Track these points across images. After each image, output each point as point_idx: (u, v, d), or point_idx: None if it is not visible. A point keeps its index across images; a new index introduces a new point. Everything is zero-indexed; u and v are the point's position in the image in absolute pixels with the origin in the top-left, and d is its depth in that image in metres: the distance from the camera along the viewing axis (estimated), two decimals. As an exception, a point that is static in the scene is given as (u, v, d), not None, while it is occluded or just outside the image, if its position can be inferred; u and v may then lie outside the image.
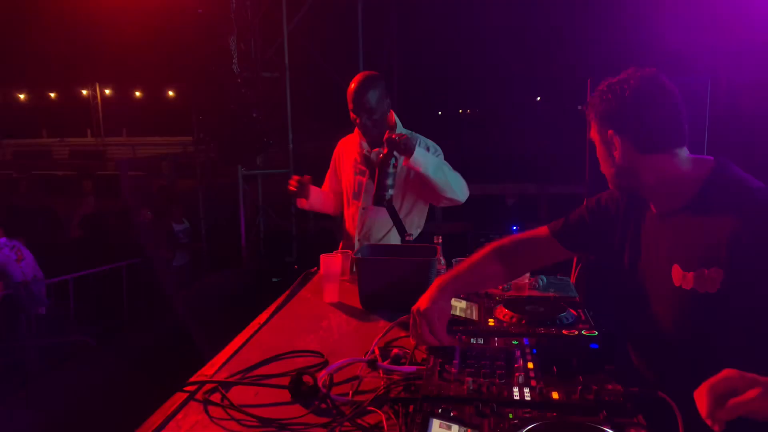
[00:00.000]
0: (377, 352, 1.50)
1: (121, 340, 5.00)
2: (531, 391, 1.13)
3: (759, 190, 1.22)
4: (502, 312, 1.55)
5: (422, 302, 1.44)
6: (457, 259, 2.13)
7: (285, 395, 1.33)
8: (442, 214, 6.38)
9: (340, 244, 2.74)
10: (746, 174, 1.27)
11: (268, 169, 7.27)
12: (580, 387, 1.12)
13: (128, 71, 24.60)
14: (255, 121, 5.56)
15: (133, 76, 27.48)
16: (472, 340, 1.41)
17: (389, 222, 2.55)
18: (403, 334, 1.64)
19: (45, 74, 26.27)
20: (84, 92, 26.73)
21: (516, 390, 1.14)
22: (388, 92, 2.50)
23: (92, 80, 24.85)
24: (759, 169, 1.39)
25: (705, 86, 3.29)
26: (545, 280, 2.23)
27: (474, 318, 1.56)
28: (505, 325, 1.49)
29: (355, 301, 2.00)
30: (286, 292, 2.15)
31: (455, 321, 1.51)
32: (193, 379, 1.44)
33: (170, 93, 29.57)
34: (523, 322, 1.49)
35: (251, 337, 1.73)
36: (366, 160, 2.59)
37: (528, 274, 2.08)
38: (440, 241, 2.22)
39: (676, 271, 1.27)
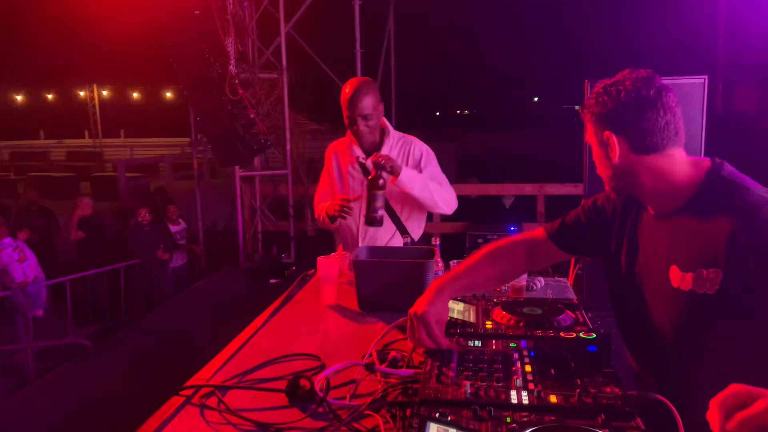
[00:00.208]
0: (375, 355, 1.49)
1: (117, 342, 4.98)
2: (529, 395, 1.12)
3: (756, 190, 1.22)
4: (500, 314, 1.54)
5: (419, 305, 1.44)
6: (455, 260, 2.12)
7: (282, 399, 1.32)
8: (440, 215, 6.37)
9: (339, 248, 2.73)
10: (743, 175, 1.27)
11: (265, 171, 7.28)
12: (578, 390, 1.11)
13: (125, 72, 24.59)
14: (252, 123, 5.55)
15: (130, 78, 27.49)
16: (470, 343, 1.40)
17: (392, 226, 2.60)
18: (400, 336, 1.63)
19: (42, 75, 26.24)
20: (81, 93, 26.69)
21: (514, 393, 1.13)
22: (381, 97, 2.52)
23: (89, 81, 24.80)
24: (755, 170, 1.39)
25: (701, 87, 3.30)
26: (543, 281, 2.22)
27: (472, 320, 1.55)
28: (502, 327, 1.49)
29: (353, 304, 2.00)
30: (284, 295, 2.15)
31: (453, 323, 1.51)
32: (189, 383, 1.43)
33: (168, 94, 29.56)
34: (521, 324, 1.48)
35: (248, 340, 1.72)
36: (362, 167, 2.60)
37: (525, 276, 2.07)
38: (438, 242, 2.22)
39: (675, 272, 1.27)
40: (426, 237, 2.85)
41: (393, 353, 1.49)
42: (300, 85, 6.81)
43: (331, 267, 2.03)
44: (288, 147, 6.66)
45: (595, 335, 1.38)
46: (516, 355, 1.31)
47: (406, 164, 2.57)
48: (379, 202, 2.31)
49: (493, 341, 1.40)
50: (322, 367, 1.48)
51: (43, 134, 24.39)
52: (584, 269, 3.68)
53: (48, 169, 17.26)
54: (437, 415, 1.05)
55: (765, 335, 1.18)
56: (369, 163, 2.55)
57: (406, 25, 8.84)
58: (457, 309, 1.60)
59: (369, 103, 2.44)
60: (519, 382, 1.18)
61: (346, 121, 2.50)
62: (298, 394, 1.31)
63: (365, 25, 7.00)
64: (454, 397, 1.13)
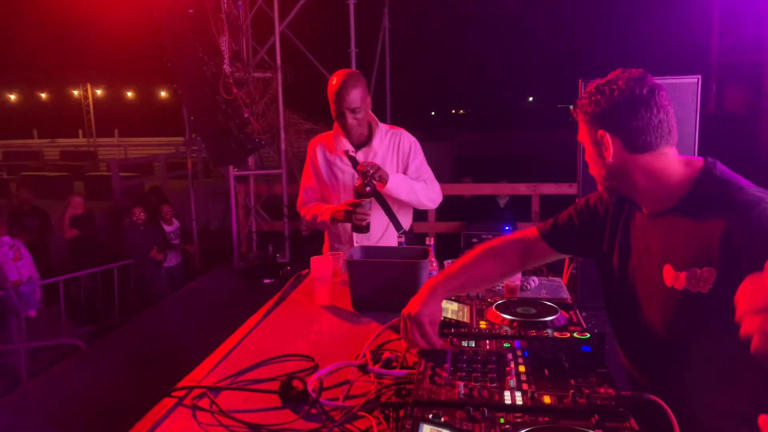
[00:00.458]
0: (368, 355, 1.49)
1: (111, 342, 4.96)
2: (523, 395, 1.12)
3: (749, 189, 1.22)
4: (494, 314, 1.54)
5: (413, 305, 1.43)
6: (449, 260, 2.12)
7: (275, 400, 1.31)
8: (435, 214, 6.38)
9: (325, 250, 2.71)
10: (736, 174, 1.27)
11: (260, 170, 7.26)
12: (572, 391, 1.11)
13: (119, 72, 24.49)
14: (247, 122, 5.53)
15: (124, 77, 27.38)
16: (464, 343, 1.40)
17: (385, 218, 2.61)
18: (394, 336, 1.63)
19: (36, 75, 26.09)
20: (75, 93, 26.54)
21: (507, 394, 1.13)
22: (368, 90, 2.52)
23: (83, 81, 24.66)
24: (748, 169, 1.39)
25: (695, 87, 3.31)
26: (537, 281, 2.22)
27: (465, 320, 1.55)
28: (496, 327, 1.48)
29: (347, 304, 1.99)
30: (277, 295, 2.14)
31: (446, 323, 1.50)
32: (181, 383, 1.42)
33: (162, 93, 29.46)
34: (515, 324, 1.48)
35: (241, 340, 1.71)
36: (351, 160, 2.58)
37: (519, 276, 2.07)
38: (432, 242, 2.21)
39: (668, 272, 1.27)
40: (420, 237, 2.85)
41: (387, 354, 1.48)
42: (294, 84, 6.81)
43: (325, 267, 2.03)
44: (282, 146, 6.65)
45: (588, 335, 1.37)
46: (510, 356, 1.30)
47: (396, 156, 2.59)
48: (366, 210, 2.32)
49: (487, 341, 1.40)
50: (316, 368, 1.47)
51: (36, 133, 24.22)
52: (578, 269, 3.68)
53: (42, 169, 17.18)
54: (430, 416, 1.05)
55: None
56: (359, 155, 2.55)
57: (400, 24, 8.84)
58: (451, 309, 1.59)
59: (357, 95, 2.40)
60: (513, 382, 1.17)
61: (333, 114, 2.48)
62: (291, 395, 1.30)
63: (360, 25, 7.00)
64: (448, 397, 1.12)
